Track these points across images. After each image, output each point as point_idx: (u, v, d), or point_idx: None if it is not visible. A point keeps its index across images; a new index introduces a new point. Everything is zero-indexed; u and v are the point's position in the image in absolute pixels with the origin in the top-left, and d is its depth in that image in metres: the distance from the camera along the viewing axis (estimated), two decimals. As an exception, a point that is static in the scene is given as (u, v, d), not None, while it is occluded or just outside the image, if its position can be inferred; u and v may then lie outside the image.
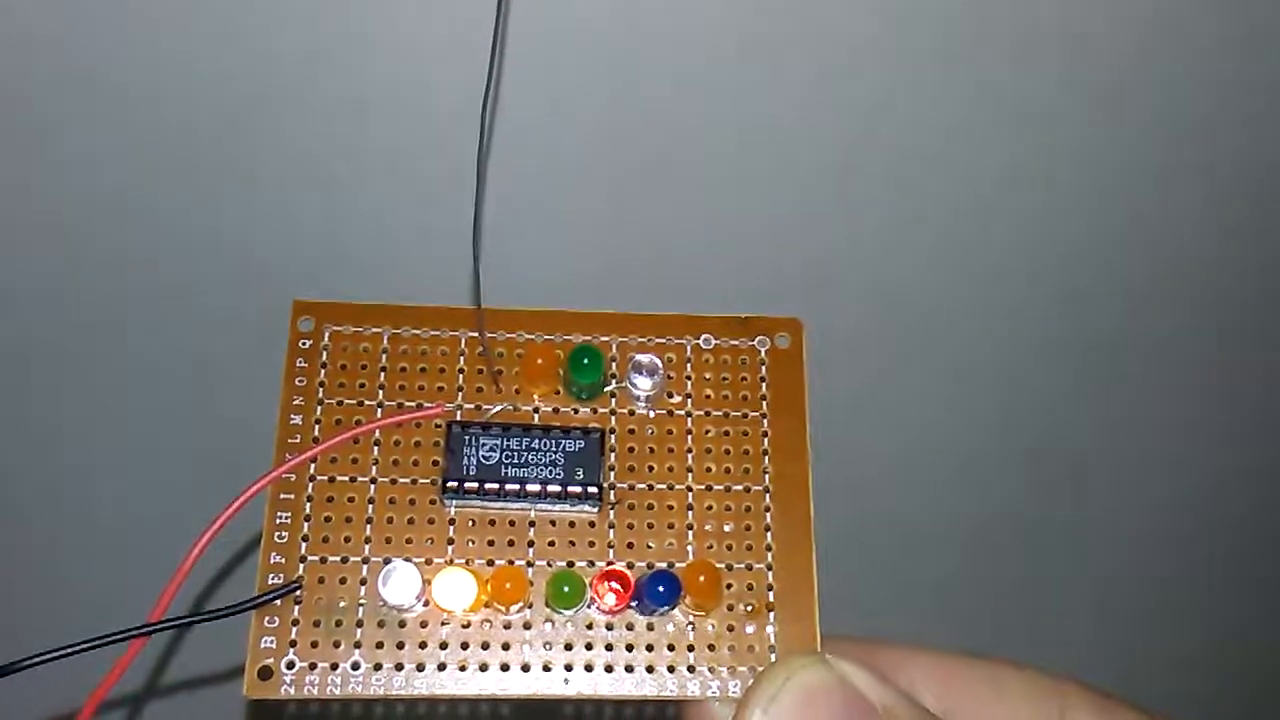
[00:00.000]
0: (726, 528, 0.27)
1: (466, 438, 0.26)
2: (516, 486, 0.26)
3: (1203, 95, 0.36)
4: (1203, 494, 0.48)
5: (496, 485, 0.26)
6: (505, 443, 0.26)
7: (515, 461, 0.26)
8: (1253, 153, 0.39)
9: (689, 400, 0.28)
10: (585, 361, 0.27)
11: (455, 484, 0.26)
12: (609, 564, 0.26)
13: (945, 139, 0.36)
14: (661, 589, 0.25)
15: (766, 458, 0.28)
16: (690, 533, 0.27)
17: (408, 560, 0.25)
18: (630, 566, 0.26)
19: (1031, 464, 0.44)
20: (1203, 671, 0.51)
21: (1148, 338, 0.42)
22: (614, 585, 0.25)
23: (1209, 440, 0.46)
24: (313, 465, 0.27)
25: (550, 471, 0.26)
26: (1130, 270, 0.40)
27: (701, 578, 0.26)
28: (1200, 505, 0.48)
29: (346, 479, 0.27)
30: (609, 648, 0.26)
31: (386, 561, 0.25)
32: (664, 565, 0.26)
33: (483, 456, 0.26)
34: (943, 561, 0.45)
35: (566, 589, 0.25)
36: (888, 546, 0.44)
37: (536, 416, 0.28)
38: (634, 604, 0.26)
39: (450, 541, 0.26)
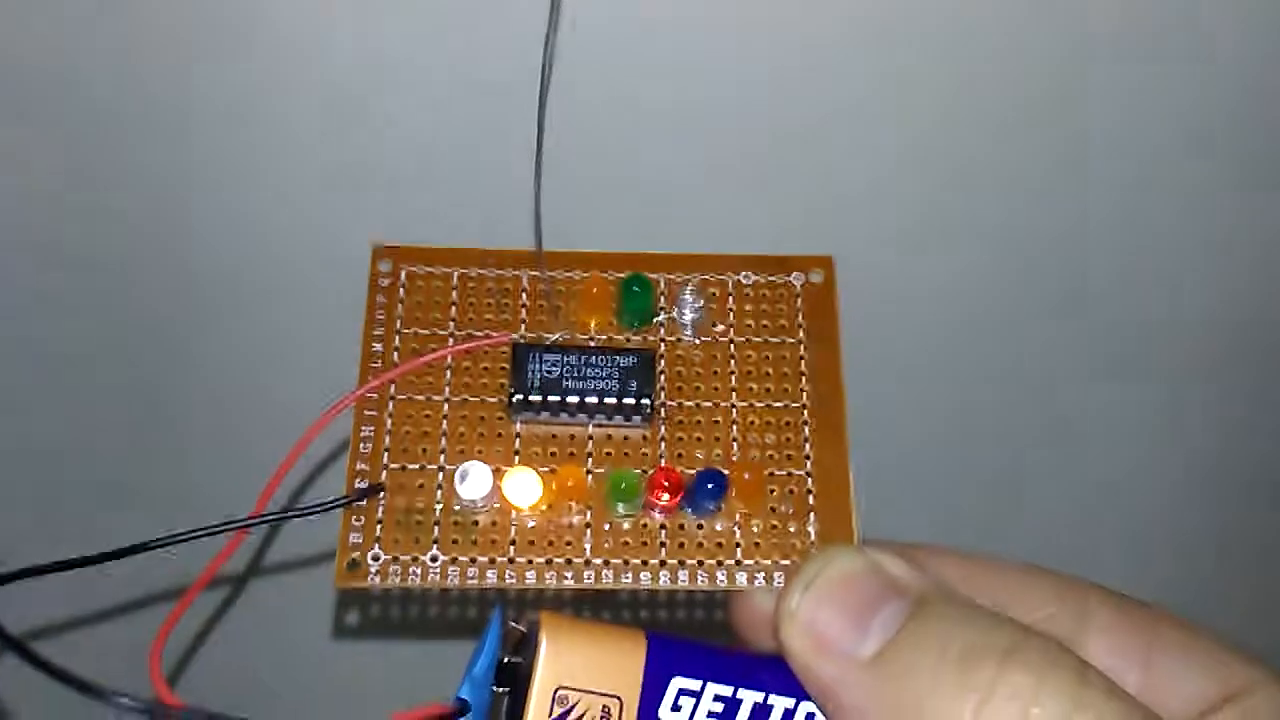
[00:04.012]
0: (769, 439, 0.30)
1: (530, 355, 0.29)
2: (576, 399, 0.29)
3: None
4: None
5: (558, 397, 0.29)
6: (565, 359, 0.29)
7: (574, 375, 0.29)
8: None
9: (731, 329, 0.31)
10: (636, 289, 0.30)
11: (521, 396, 0.29)
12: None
13: (974, 79, 0.38)
14: (710, 486, 0.28)
15: (804, 379, 0.30)
16: (735, 444, 0.29)
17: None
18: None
19: (1047, 388, 0.47)
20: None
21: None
22: (665, 483, 0.28)
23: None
24: (392, 387, 0.30)
25: (607, 385, 0.29)
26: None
27: (746, 475, 0.28)
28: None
29: (423, 399, 0.29)
30: (663, 545, 0.28)
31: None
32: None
33: (545, 371, 0.29)
34: (964, 477, 0.47)
35: (624, 485, 0.28)
36: (916, 463, 0.46)
37: (592, 343, 0.30)
38: (685, 505, 0.28)
39: (516, 453, 0.29)
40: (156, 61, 0.37)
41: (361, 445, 0.29)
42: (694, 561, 0.28)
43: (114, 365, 0.45)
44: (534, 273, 0.31)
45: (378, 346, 0.30)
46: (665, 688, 0.25)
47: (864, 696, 0.24)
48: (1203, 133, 0.41)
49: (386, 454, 0.29)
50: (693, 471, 0.29)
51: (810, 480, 0.29)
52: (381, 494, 0.28)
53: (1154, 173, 0.42)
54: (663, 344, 0.31)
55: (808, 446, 0.29)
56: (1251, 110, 0.41)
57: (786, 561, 0.28)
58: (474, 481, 0.28)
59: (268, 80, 0.38)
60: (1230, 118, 0.41)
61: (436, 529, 0.28)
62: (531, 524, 0.28)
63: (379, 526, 0.28)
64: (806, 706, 0.25)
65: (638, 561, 0.28)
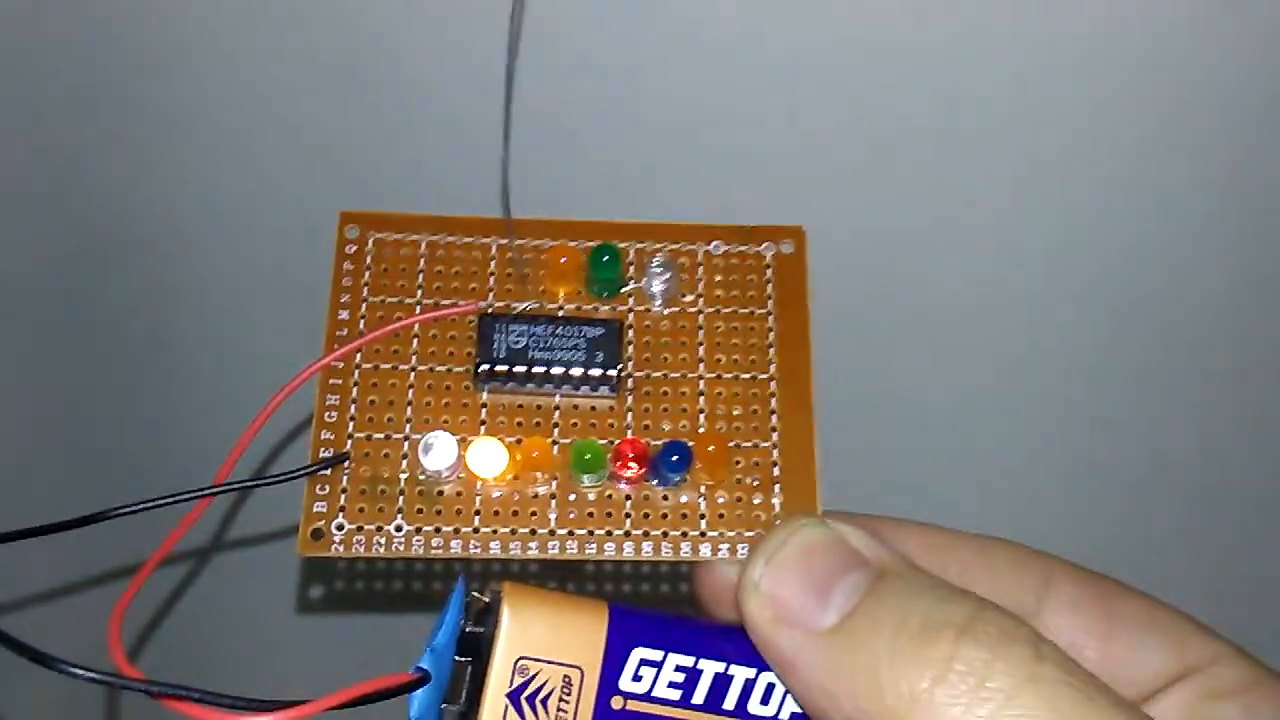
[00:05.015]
0: (735, 411, 0.29)
1: (497, 325, 0.29)
2: (542, 369, 0.29)
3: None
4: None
5: (524, 368, 0.29)
6: (532, 329, 0.29)
7: (541, 346, 0.29)
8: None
9: (700, 299, 0.31)
10: (605, 259, 0.30)
11: (487, 366, 0.29)
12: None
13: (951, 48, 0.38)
14: (675, 458, 0.28)
15: (772, 350, 0.30)
16: (702, 416, 0.29)
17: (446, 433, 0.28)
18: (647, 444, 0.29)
19: (1020, 362, 0.47)
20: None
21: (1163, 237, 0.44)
22: (631, 454, 0.28)
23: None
24: (358, 355, 0.29)
25: (573, 355, 0.29)
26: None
27: (711, 447, 0.28)
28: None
29: (389, 367, 0.29)
30: (628, 516, 0.28)
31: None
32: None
33: (511, 341, 0.29)
34: (931, 449, 0.48)
35: (588, 456, 0.28)
36: (883, 434, 0.47)
37: (561, 313, 0.30)
38: (650, 477, 0.28)
39: (483, 423, 0.29)
40: (120, 30, 0.37)
41: (326, 414, 0.29)
42: (659, 532, 0.28)
43: (76, 335, 0.45)
44: (502, 241, 0.31)
45: (344, 314, 0.30)
46: (626, 658, 0.25)
47: (822, 668, 0.24)
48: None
49: (352, 423, 0.29)
50: (658, 443, 0.29)
51: (776, 452, 0.29)
52: (346, 463, 0.28)
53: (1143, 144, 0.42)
54: (631, 314, 0.30)
55: (774, 418, 0.29)
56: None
57: (750, 533, 0.28)
58: (438, 453, 0.28)
59: (234, 48, 0.38)
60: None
61: (401, 499, 0.28)
62: (497, 494, 0.28)
63: (343, 495, 0.28)
64: (767, 677, 0.26)
65: (602, 532, 0.28)
